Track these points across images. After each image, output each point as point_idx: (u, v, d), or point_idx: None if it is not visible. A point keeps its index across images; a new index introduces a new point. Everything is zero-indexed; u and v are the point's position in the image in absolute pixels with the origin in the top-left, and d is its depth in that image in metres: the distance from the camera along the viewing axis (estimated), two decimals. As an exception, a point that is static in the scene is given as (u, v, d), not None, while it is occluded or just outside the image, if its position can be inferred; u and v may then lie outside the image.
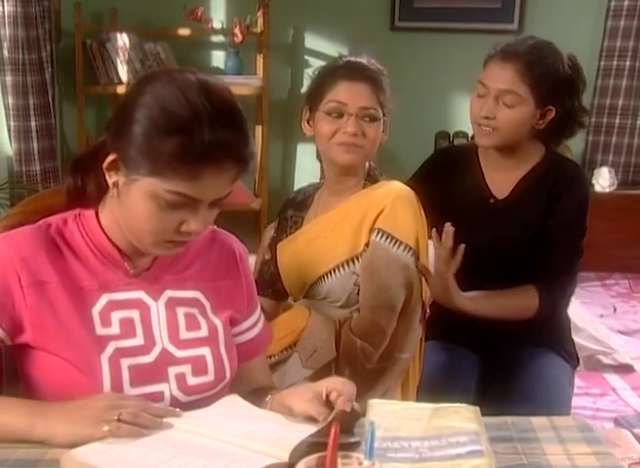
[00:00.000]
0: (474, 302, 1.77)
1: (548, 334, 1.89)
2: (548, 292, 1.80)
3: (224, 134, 1.06)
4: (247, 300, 1.32)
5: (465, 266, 1.83)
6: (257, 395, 1.27)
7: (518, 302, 1.80)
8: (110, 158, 1.13)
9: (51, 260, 1.15)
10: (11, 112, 3.69)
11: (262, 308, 1.42)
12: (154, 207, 1.09)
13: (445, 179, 1.91)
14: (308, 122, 1.75)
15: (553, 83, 1.77)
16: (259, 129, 4.01)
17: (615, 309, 3.48)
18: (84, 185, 1.20)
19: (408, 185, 1.72)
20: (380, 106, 1.68)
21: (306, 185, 1.91)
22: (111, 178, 1.14)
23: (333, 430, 0.88)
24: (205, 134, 1.04)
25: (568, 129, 1.86)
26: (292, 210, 1.83)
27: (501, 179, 1.86)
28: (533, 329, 1.84)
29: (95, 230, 1.19)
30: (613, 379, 2.77)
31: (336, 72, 1.68)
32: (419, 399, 1.74)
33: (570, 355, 1.92)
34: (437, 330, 1.93)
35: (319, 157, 1.79)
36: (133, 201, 1.11)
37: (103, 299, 1.18)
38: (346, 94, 1.65)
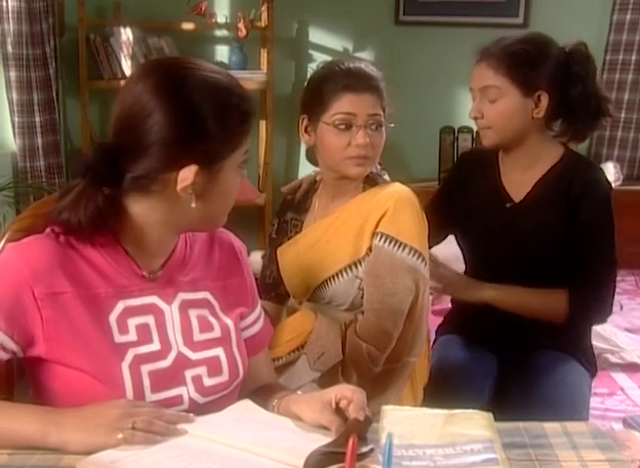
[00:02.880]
0: (501, 293, 1.78)
1: (569, 341, 1.86)
2: (580, 300, 1.76)
3: (244, 89, 1.19)
4: (251, 295, 1.33)
5: (487, 272, 1.82)
6: (262, 394, 1.28)
7: (545, 306, 1.78)
8: (191, 174, 1.12)
9: (63, 270, 1.13)
10: (15, 108, 3.68)
11: (266, 311, 1.42)
12: (238, 174, 1.19)
13: (465, 184, 1.91)
14: (306, 131, 1.70)
15: (533, 68, 1.74)
16: (263, 123, 4.00)
17: (621, 306, 3.44)
18: (101, 216, 1.14)
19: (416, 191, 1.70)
20: (383, 112, 1.67)
21: (300, 181, 1.86)
22: (188, 192, 1.13)
23: (351, 441, 0.88)
24: (239, 94, 1.17)
25: (584, 118, 1.79)
26: (291, 212, 1.82)
27: (518, 181, 1.84)
28: (554, 334, 1.81)
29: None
30: (621, 379, 2.75)
31: (337, 82, 1.63)
32: (434, 394, 1.74)
33: (589, 363, 1.89)
34: (457, 324, 1.92)
35: (310, 160, 1.78)
36: (226, 185, 1.17)
37: (120, 306, 1.17)
38: (354, 105, 1.62)
